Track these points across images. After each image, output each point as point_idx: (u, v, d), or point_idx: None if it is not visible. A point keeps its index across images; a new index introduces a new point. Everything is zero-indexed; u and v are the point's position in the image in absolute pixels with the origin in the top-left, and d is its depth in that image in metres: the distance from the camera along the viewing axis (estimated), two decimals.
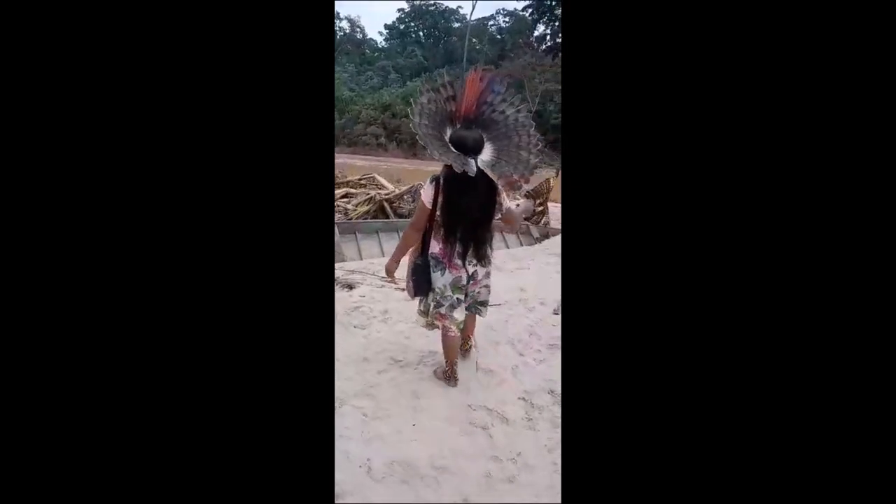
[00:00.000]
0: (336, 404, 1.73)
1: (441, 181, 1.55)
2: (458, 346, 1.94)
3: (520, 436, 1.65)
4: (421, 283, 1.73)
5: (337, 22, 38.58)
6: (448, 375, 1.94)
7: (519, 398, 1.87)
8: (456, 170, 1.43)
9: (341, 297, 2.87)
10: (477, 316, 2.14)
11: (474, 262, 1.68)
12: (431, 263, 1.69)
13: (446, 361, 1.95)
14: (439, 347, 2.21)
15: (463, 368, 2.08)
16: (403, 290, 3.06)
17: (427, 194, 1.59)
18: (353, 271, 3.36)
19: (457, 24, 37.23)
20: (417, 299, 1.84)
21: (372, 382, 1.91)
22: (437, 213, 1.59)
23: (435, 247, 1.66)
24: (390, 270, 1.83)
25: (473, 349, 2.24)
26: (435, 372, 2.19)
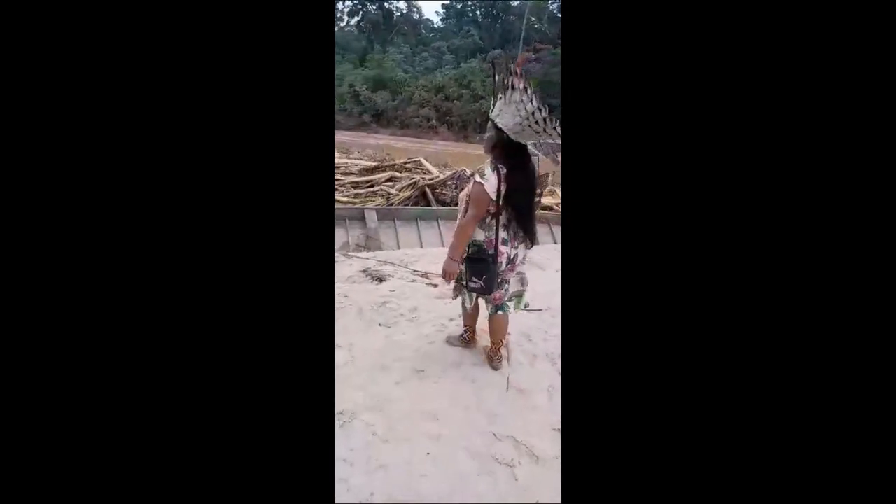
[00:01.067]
0: (345, 417, 1.57)
1: (505, 170, 1.56)
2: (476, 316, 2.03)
3: (550, 479, 1.39)
4: (492, 279, 1.70)
5: (394, 2, 38.45)
6: (466, 340, 2.05)
7: (553, 429, 1.61)
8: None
9: (369, 290, 2.71)
10: (508, 324, 1.91)
11: (516, 244, 1.70)
12: (487, 254, 1.69)
13: (466, 328, 2.05)
14: (466, 358, 1.99)
15: (491, 384, 1.83)
16: (436, 286, 2.81)
17: (491, 184, 1.57)
18: (385, 262, 3.20)
19: (515, 3, 35.73)
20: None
21: (387, 395, 1.73)
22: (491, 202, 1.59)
23: (479, 235, 1.67)
24: (452, 273, 1.70)
25: (505, 362, 1.99)
26: (448, 338, 2.11)
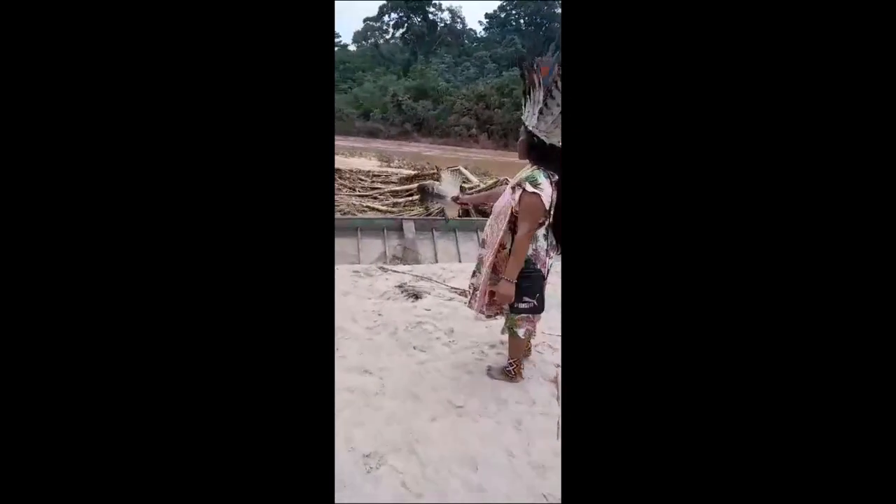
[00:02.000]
0: (372, 462, 1.39)
1: (557, 177, 1.51)
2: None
3: None
4: (543, 296, 1.64)
5: (438, 13, 39.02)
6: (511, 374, 1.85)
7: None
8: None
9: (404, 308, 2.55)
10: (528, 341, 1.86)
11: (553, 253, 1.66)
12: (536, 269, 1.61)
13: (512, 360, 1.87)
14: (511, 395, 1.77)
15: (540, 430, 1.60)
16: (472, 306, 2.66)
17: (546, 193, 1.49)
18: (421, 277, 3.03)
19: (559, 10, 35.23)
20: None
21: (420, 433, 1.53)
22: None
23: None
24: (510, 297, 1.60)
25: (556, 401, 1.75)
26: (490, 370, 1.93)
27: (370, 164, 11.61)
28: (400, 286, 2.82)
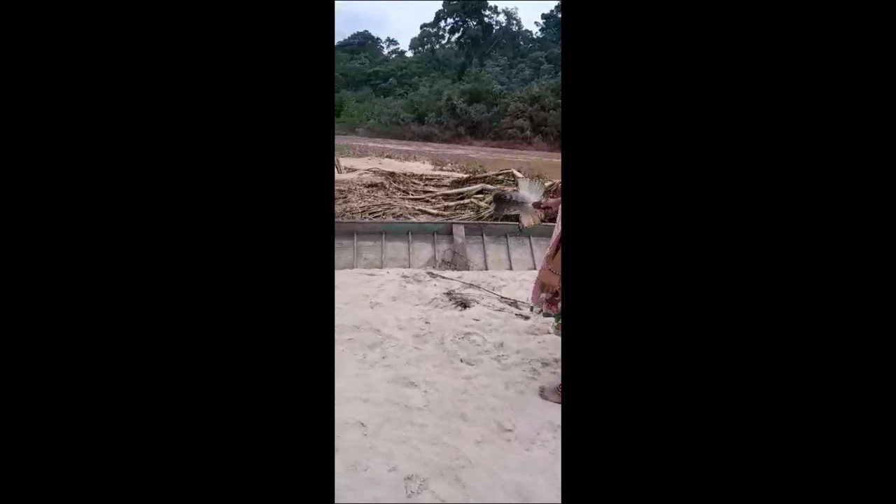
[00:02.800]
0: (413, 486, 1.30)
1: None
2: None
3: None
4: None
5: (493, 16, 38.83)
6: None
7: None
8: None
9: (452, 317, 2.45)
10: None
11: None
12: None
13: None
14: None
15: None
16: (527, 318, 2.57)
17: None
18: (470, 284, 2.93)
19: None
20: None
21: (465, 456, 1.42)
22: None
23: None
24: (550, 284, 1.61)
25: None
26: (543, 391, 1.79)
27: (423, 167, 11.68)
28: (448, 293, 2.74)
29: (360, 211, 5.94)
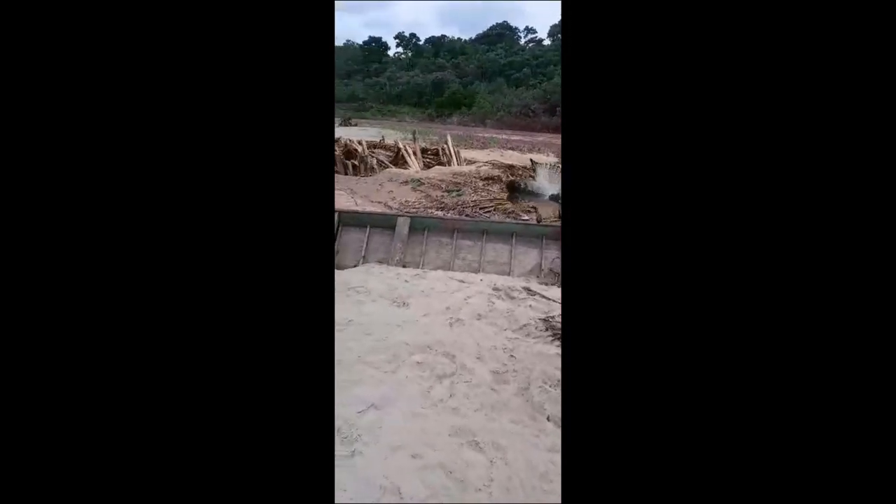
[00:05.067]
0: None
1: None
2: None
3: None
4: None
5: None
6: None
7: None
8: None
9: (543, 355, 1.94)
10: None
11: None
12: None
13: None
14: None
15: None
16: None
17: None
18: None
19: None
20: None
21: None
22: None
23: None
24: None
25: None
26: None
27: (545, 160, 10.92)
28: (545, 319, 2.22)
29: (471, 205, 5.65)
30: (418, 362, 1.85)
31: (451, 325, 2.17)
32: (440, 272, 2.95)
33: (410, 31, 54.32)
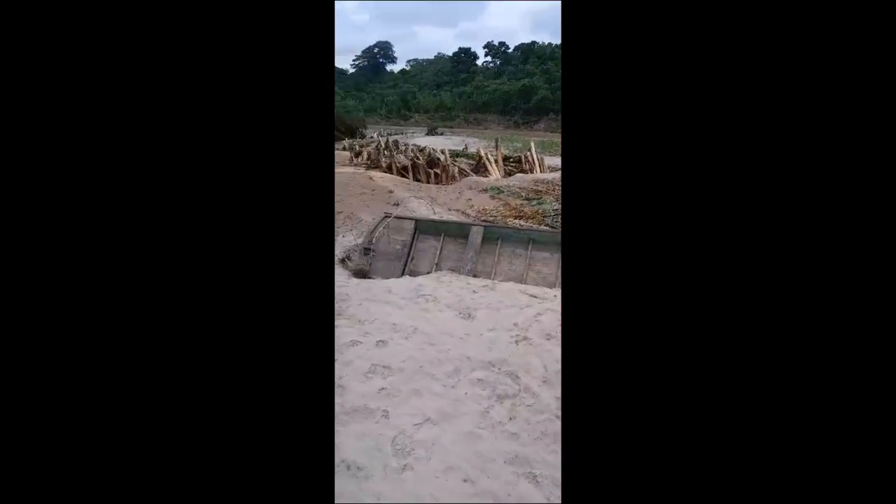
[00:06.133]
0: None
1: None
2: None
3: None
4: None
5: None
6: None
7: None
8: None
9: None
10: None
11: None
12: None
13: None
14: None
15: None
16: None
17: None
18: None
19: None
20: None
21: None
22: None
23: None
24: None
25: None
26: None
27: None
28: None
29: (552, 214, 5.43)
30: (479, 379, 1.78)
31: (517, 342, 2.07)
32: (511, 284, 2.84)
33: (500, 40, 54.53)
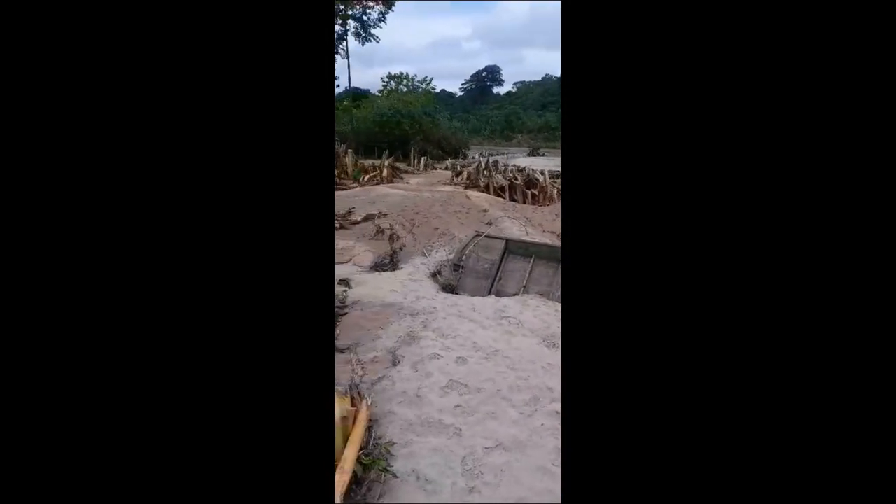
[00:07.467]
0: None
1: None
2: None
3: None
4: None
5: None
6: None
7: None
8: None
9: None
10: None
11: None
12: None
13: None
14: None
15: None
16: None
17: None
18: None
19: None
20: None
21: None
22: None
23: None
24: None
25: None
26: None
27: None
28: None
29: None
30: (558, 412, 1.70)
31: None
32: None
33: None
